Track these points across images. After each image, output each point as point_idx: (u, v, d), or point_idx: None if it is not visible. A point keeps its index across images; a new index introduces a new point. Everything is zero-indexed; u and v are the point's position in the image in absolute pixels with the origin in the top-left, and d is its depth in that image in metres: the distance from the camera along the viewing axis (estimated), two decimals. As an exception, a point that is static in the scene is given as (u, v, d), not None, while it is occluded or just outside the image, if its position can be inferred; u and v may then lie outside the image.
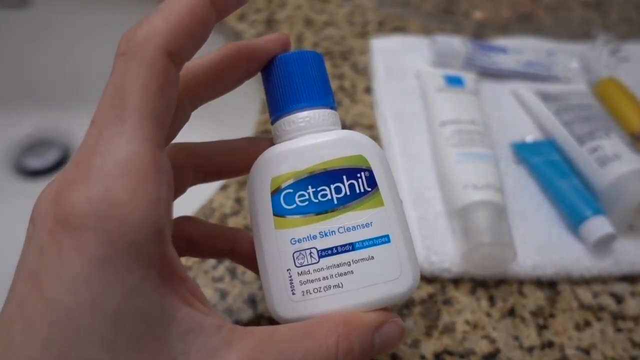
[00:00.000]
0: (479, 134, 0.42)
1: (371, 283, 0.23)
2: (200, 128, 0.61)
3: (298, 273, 0.23)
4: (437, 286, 0.36)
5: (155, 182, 0.18)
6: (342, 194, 0.24)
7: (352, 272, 0.23)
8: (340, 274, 0.23)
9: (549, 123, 0.45)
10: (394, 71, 0.49)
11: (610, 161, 0.39)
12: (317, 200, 0.23)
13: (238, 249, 0.29)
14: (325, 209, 0.23)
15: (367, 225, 0.24)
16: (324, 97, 0.25)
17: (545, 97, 0.47)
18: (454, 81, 0.47)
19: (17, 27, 0.62)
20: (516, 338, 0.34)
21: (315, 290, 0.23)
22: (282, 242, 0.23)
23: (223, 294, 0.34)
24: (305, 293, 0.23)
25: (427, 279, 0.37)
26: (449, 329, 0.34)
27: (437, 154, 0.42)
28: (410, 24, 0.57)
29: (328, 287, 0.23)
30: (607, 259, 0.38)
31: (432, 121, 0.44)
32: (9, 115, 0.66)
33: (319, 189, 0.23)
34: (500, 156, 0.43)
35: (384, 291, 0.23)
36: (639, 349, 0.34)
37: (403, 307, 0.35)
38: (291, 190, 0.24)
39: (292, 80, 0.25)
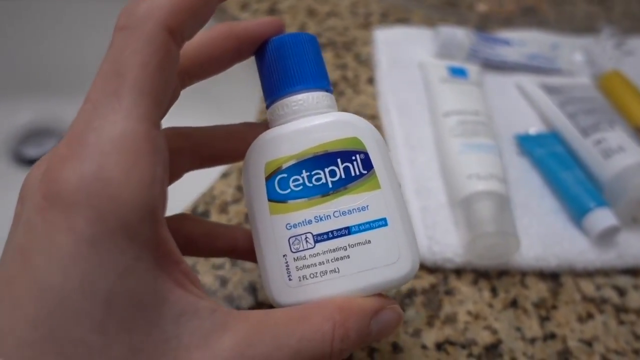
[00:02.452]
0: (482, 124, 0.41)
1: (368, 267, 0.23)
2: (202, 114, 0.60)
3: (294, 259, 0.23)
4: (439, 276, 0.36)
5: (151, 162, 0.18)
6: (337, 178, 0.23)
7: (348, 256, 0.23)
8: (337, 259, 0.23)
9: (553, 115, 0.44)
10: (397, 62, 0.49)
11: (614, 153, 0.39)
12: (311, 185, 0.23)
13: (239, 247, 0.28)
14: (320, 192, 0.23)
15: (363, 208, 0.23)
16: (318, 80, 0.24)
17: (549, 90, 0.46)
18: (458, 72, 0.46)
19: (16, 15, 0.61)
20: (518, 329, 0.34)
21: (312, 276, 0.23)
22: (277, 228, 0.23)
23: (223, 281, 0.34)
24: (301, 278, 0.23)
25: (429, 268, 0.36)
26: (451, 319, 0.34)
27: (440, 144, 0.41)
28: (414, 15, 0.56)
29: (324, 272, 0.23)
30: (611, 251, 0.37)
31: (435, 112, 0.43)
32: (7, 104, 0.65)
33: (313, 173, 0.23)
34: (504, 148, 0.43)
35: (381, 276, 0.23)
36: (642, 342, 0.34)
37: (405, 296, 0.35)
38: (285, 175, 0.23)
39: (286, 63, 0.24)
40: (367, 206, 0.23)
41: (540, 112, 0.46)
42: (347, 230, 0.23)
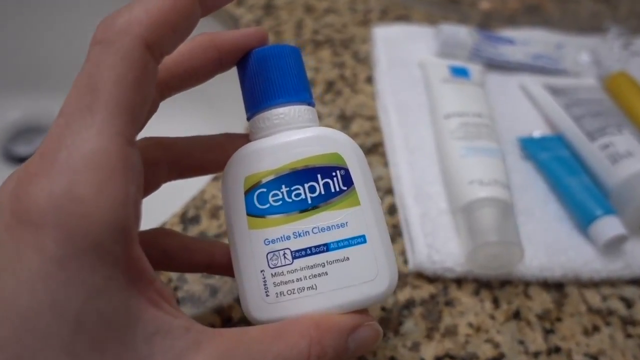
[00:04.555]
0: (485, 127, 0.40)
1: (346, 285, 0.22)
2: (195, 121, 0.59)
3: (272, 274, 0.23)
4: (439, 286, 0.35)
5: (123, 180, 0.17)
6: (317, 193, 0.23)
7: (326, 273, 0.23)
8: (314, 275, 0.23)
9: (558, 118, 0.43)
10: (396, 61, 0.47)
11: (622, 158, 0.38)
12: (290, 200, 0.23)
13: (216, 262, 0.28)
14: (299, 208, 0.23)
15: (342, 225, 0.23)
16: (300, 93, 0.24)
17: (554, 91, 0.45)
18: (460, 72, 0.45)
19: (5, 12, 0.60)
20: (521, 342, 0.33)
21: (289, 292, 0.23)
22: (255, 243, 0.23)
23: (213, 291, 0.33)
24: (279, 295, 0.22)
25: (428, 278, 0.35)
26: (451, 332, 0.33)
27: (441, 147, 0.40)
28: (414, 13, 0.54)
29: (302, 289, 0.23)
30: (618, 261, 0.36)
31: (436, 113, 0.42)
32: (-3, 101, 0.64)
33: (292, 188, 0.23)
34: (507, 151, 0.42)
35: (359, 293, 0.22)
36: (650, 356, 0.33)
37: (403, 307, 0.33)
38: (264, 190, 0.23)
39: (268, 76, 0.24)
40: (346, 223, 0.23)
41: (544, 114, 0.45)
42: (326, 247, 0.23)
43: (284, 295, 0.22)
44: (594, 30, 0.54)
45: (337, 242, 0.23)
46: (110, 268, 0.17)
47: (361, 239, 0.23)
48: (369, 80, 0.47)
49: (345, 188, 0.23)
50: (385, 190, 0.39)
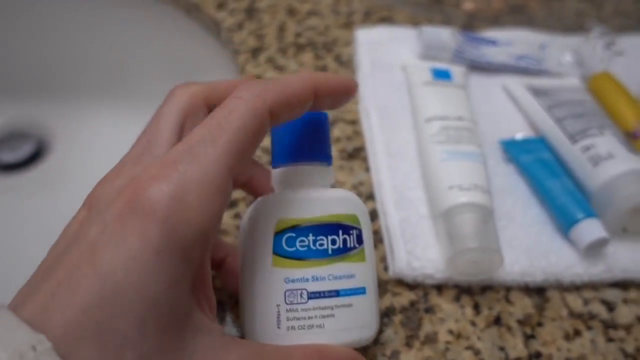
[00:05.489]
0: (466, 130, 0.40)
1: (347, 327, 0.26)
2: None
3: (287, 310, 0.25)
4: (419, 293, 0.34)
5: (222, 201, 0.21)
6: (336, 246, 0.26)
7: (333, 315, 0.26)
8: (324, 316, 0.26)
9: (540, 119, 0.43)
10: (379, 64, 0.47)
11: (603, 161, 0.37)
12: (315, 248, 0.26)
13: (228, 263, 0.31)
14: (320, 256, 0.26)
15: (351, 276, 0.26)
16: (328, 156, 0.28)
17: (537, 92, 0.45)
18: (442, 75, 0.44)
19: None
20: (502, 349, 0.32)
21: (300, 327, 0.26)
22: (276, 279, 0.26)
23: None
24: (289, 328, 0.25)
25: (409, 285, 0.35)
26: (431, 339, 0.32)
27: (422, 151, 0.39)
28: (398, 14, 0.54)
29: (311, 326, 0.26)
30: (599, 264, 0.36)
31: (417, 117, 0.41)
32: (-19, 107, 0.64)
33: (318, 238, 0.26)
34: (489, 154, 0.41)
35: (355, 334, 0.26)
36: (631, 361, 0.33)
37: (383, 315, 0.33)
38: (294, 235, 0.26)
39: (309, 136, 0.27)
40: (354, 275, 0.27)
41: (527, 116, 0.44)
42: (337, 293, 0.26)
43: (294, 329, 0.25)
44: (579, 29, 0.54)
45: (346, 290, 0.26)
46: (189, 267, 0.21)
47: (362, 290, 0.27)
48: (352, 83, 0.47)
49: (357, 246, 0.27)
50: (367, 195, 0.39)
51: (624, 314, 0.35)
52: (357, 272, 0.27)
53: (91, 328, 0.18)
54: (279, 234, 0.26)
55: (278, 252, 0.26)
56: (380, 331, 0.32)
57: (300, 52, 0.49)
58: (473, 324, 0.33)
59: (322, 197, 0.27)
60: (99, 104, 0.66)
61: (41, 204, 0.58)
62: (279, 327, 0.25)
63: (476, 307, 0.34)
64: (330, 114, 0.44)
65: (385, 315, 0.33)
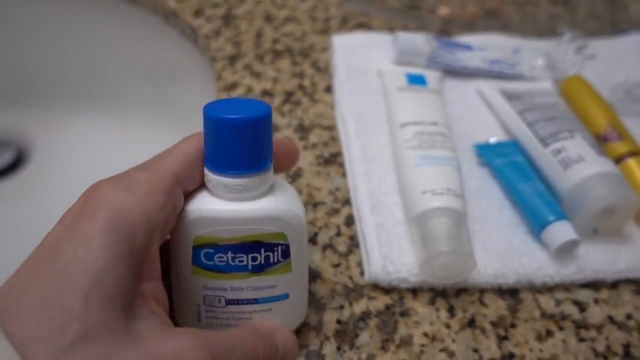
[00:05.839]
0: (440, 135, 0.40)
1: None
2: (162, 129, 0.58)
3: (206, 310, 0.28)
4: (394, 297, 0.35)
5: (165, 198, 0.24)
6: (257, 262, 0.27)
7: (251, 318, 0.28)
8: (241, 318, 0.28)
9: (513, 123, 0.43)
10: (355, 70, 0.48)
11: (573, 163, 0.38)
12: (234, 264, 0.26)
13: None
14: (239, 270, 0.27)
15: (272, 286, 0.27)
16: (262, 163, 0.25)
17: (510, 96, 0.45)
18: (417, 80, 0.45)
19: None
20: (476, 350, 0.33)
21: (218, 325, 0.28)
22: (196, 285, 0.27)
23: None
24: (209, 324, 0.28)
25: (384, 289, 0.35)
26: (406, 342, 0.33)
27: (397, 157, 0.40)
28: (375, 20, 0.55)
29: (229, 325, 0.28)
30: (571, 265, 0.36)
31: (393, 122, 0.42)
32: (-42, 116, 0.63)
33: (237, 256, 0.26)
34: (464, 158, 0.42)
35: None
36: None
37: (359, 319, 0.34)
38: (212, 251, 0.26)
39: (235, 147, 0.24)
40: (276, 285, 0.27)
41: (500, 120, 0.45)
42: (255, 301, 0.28)
43: (213, 325, 0.28)
44: (552, 33, 0.55)
45: (265, 298, 0.27)
46: (133, 246, 0.22)
47: (285, 296, 0.28)
48: (329, 89, 0.47)
49: (282, 260, 0.27)
50: (343, 201, 0.40)
51: (595, 313, 0.36)
52: (280, 282, 0.27)
53: (38, 307, 0.20)
54: (197, 248, 0.26)
55: (197, 263, 0.26)
56: (355, 335, 0.33)
57: (277, 58, 0.50)
58: (448, 326, 0.34)
59: (247, 216, 0.25)
60: (79, 110, 0.66)
61: (22, 211, 0.57)
62: (199, 322, 0.28)
63: (451, 310, 0.35)
64: (307, 120, 0.45)
65: (361, 319, 0.34)
